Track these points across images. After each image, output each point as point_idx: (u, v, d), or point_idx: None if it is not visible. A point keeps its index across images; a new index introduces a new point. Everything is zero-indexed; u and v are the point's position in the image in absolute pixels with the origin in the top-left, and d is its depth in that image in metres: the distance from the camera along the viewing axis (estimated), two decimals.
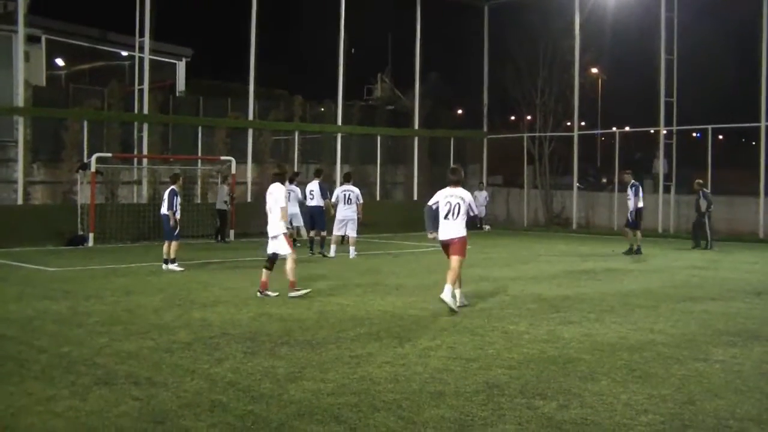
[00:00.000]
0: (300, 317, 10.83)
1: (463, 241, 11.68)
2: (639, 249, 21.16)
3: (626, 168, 24.32)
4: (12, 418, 6.15)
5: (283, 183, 13.04)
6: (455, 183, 11.89)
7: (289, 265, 12.76)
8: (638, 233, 21.42)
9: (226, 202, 24.50)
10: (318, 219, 20.32)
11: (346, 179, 20.37)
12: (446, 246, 11.81)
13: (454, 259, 11.56)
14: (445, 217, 11.67)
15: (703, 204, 23.16)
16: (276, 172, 13.28)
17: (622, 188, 24.52)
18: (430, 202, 11.98)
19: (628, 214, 21.57)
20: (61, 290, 13.33)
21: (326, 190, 20.54)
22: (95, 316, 10.74)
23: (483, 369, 7.89)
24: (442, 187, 11.92)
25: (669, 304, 12.34)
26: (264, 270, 12.95)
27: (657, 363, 8.23)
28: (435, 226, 11.79)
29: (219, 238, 24.25)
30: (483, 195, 31.37)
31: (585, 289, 14.04)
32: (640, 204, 21.41)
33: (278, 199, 12.71)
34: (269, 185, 13.18)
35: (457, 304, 11.47)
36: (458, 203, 11.65)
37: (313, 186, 20.54)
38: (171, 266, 16.56)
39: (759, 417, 6.38)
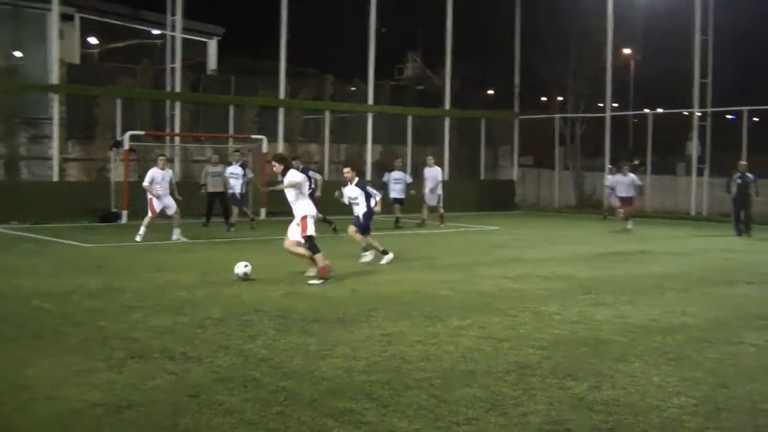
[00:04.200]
0: (331, 295, 10.89)
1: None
2: None
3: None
4: (52, 389, 6.26)
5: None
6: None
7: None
8: None
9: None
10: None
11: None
12: None
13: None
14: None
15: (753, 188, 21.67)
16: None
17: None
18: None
19: None
20: (96, 266, 13.50)
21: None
22: (129, 292, 10.87)
23: (514, 349, 7.90)
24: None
25: (702, 287, 12.27)
26: None
27: (690, 346, 8.19)
28: None
29: None
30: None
31: (617, 271, 13.98)
32: None
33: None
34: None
35: None
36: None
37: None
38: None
39: None
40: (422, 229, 22.25)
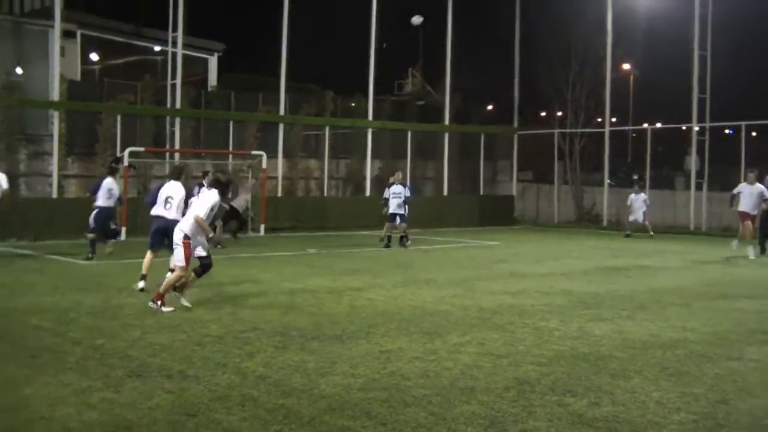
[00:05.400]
0: (330, 312, 10.87)
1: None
2: None
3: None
4: (49, 408, 6.23)
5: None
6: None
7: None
8: None
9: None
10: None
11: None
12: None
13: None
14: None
15: None
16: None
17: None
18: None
19: None
20: (95, 283, 13.47)
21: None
22: (128, 309, 10.85)
23: (513, 365, 7.88)
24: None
25: (701, 302, 12.25)
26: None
27: (690, 361, 8.17)
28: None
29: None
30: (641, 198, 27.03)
31: (616, 286, 13.96)
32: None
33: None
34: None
35: None
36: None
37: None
38: None
39: None
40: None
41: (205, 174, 19.90)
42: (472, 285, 13.85)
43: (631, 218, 26.85)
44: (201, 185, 19.07)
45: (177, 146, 26.38)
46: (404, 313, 10.88)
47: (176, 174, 12.89)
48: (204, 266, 11.22)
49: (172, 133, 26.61)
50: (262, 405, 6.41)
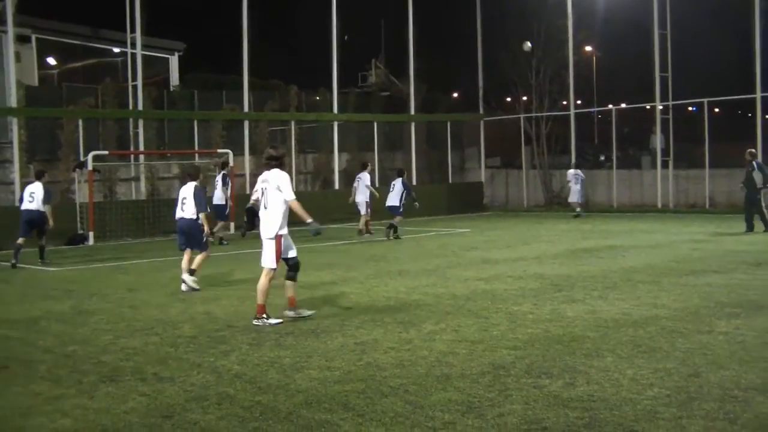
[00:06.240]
0: (304, 307, 10.81)
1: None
2: None
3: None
4: (21, 419, 6.16)
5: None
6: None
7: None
8: None
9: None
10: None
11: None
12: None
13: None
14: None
15: (758, 177, 19.48)
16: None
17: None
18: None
19: None
20: (64, 290, 13.33)
21: (50, 194, 17.70)
22: (99, 314, 10.75)
23: (488, 350, 7.90)
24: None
25: (671, 279, 12.37)
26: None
27: (661, 337, 8.25)
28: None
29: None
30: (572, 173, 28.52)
31: (587, 267, 14.06)
32: None
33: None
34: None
35: None
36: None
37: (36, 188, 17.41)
38: None
39: (764, 386, 6.39)
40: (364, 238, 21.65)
41: (218, 166, 20.72)
42: (444, 273, 13.88)
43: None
44: (225, 176, 21.02)
45: (141, 148, 26.15)
46: (378, 304, 10.88)
47: (195, 174, 13.27)
48: (292, 267, 10.06)
49: (136, 134, 26.37)
50: (239, 402, 6.38)
